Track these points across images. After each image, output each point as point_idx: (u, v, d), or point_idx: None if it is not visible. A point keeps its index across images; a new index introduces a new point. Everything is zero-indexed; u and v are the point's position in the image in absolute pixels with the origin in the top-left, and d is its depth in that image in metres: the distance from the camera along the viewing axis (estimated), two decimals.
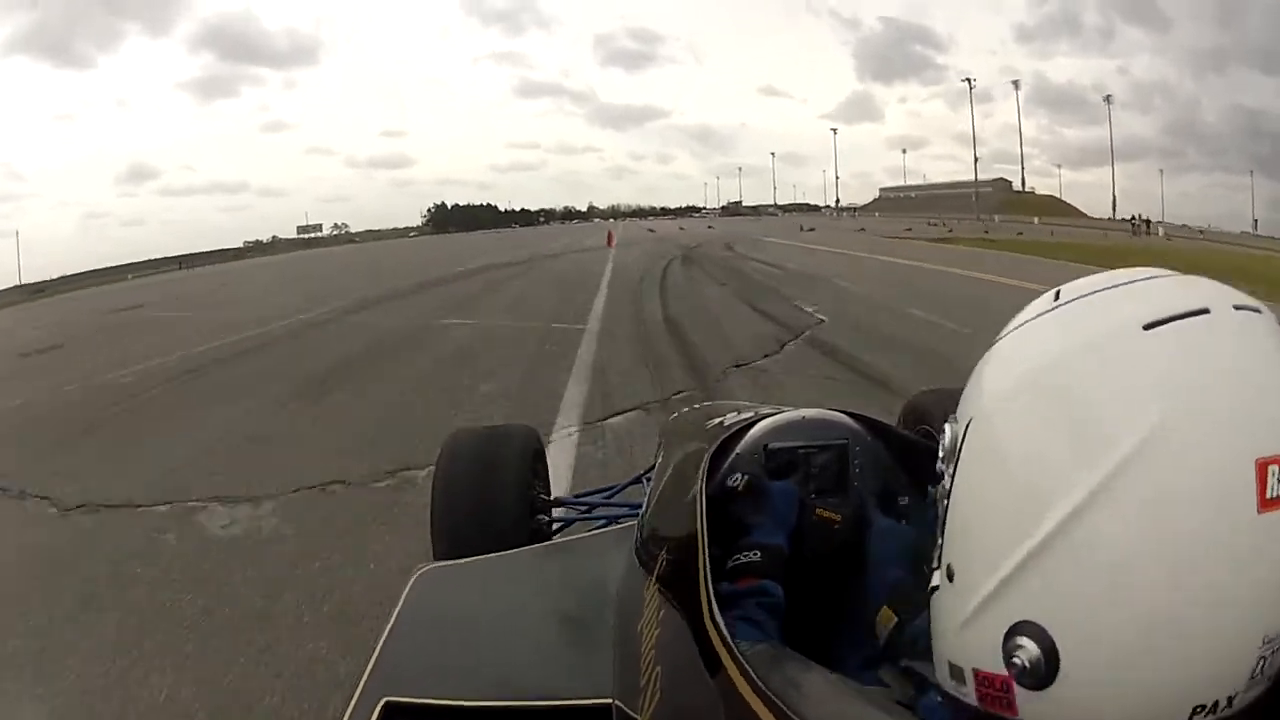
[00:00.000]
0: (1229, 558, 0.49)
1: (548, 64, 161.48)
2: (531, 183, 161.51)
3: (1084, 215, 68.00)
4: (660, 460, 1.41)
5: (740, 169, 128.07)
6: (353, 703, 0.85)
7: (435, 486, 1.83)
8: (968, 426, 0.60)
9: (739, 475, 0.97)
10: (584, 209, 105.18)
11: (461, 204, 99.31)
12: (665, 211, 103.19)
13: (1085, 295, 0.58)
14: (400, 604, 1.07)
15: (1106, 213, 67.38)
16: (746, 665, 0.61)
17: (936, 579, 0.62)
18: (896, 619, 0.75)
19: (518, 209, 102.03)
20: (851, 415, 1.12)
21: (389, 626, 1.02)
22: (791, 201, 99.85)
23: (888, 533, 0.93)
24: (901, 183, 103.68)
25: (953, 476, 0.61)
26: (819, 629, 0.84)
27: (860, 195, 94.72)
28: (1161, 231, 39.68)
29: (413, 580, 1.15)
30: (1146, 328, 0.52)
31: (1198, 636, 0.49)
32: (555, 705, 0.83)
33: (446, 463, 1.86)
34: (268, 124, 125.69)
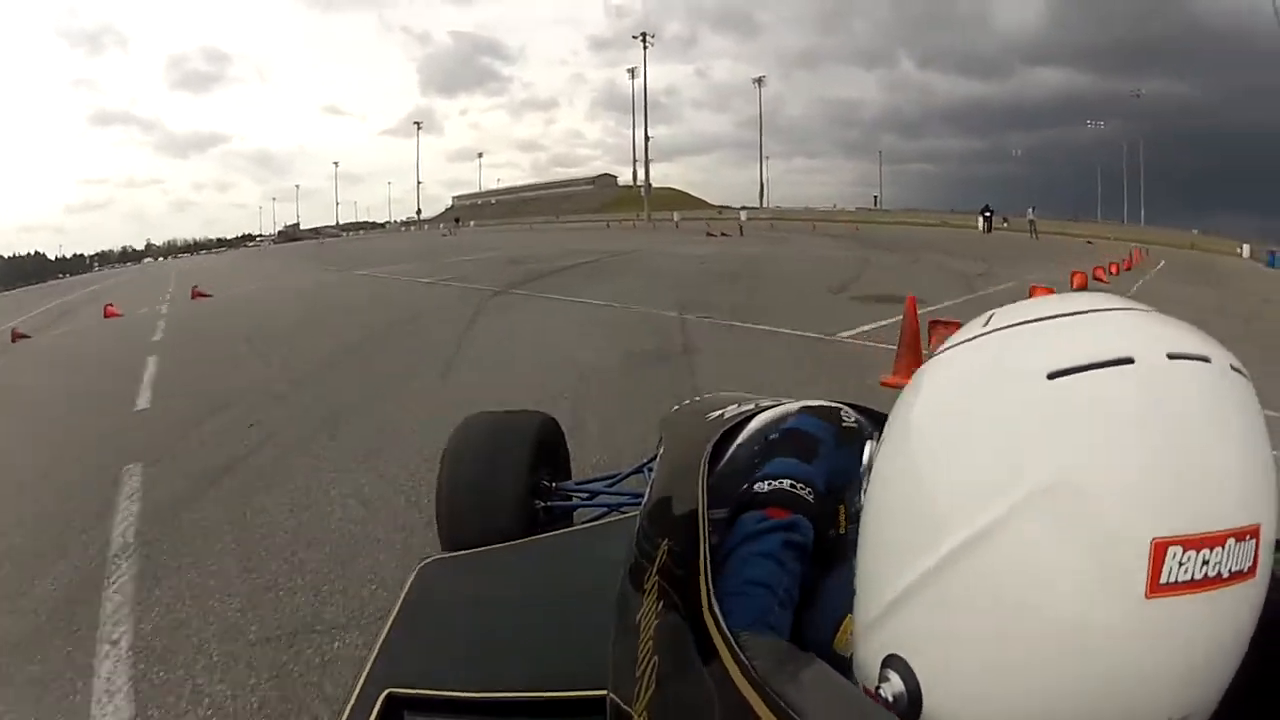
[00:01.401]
0: (1107, 639, 0.44)
1: (120, 89, 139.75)
2: (104, 221, 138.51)
3: (710, 205, 63.87)
4: (661, 452, 1.33)
5: (298, 188, 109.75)
6: (355, 694, 0.84)
7: (443, 468, 1.84)
8: (879, 445, 0.57)
9: (855, 416, 0.95)
10: (142, 247, 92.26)
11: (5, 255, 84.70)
12: (222, 243, 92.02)
13: (1013, 325, 0.52)
14: (403, 596, 1.07)
15: (723, 201, 64.26)
16: (743, 657, 0.58)
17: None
18: None
19: (70, 255, 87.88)
20: (854, 407, 1.03)
21: (391, 618, 1.01)
22: (353, 220, 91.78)
23: None
24: (474, 190, 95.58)
25: (864, 494, 0.59)
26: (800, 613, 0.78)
27: (425, 207, 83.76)
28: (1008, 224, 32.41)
29: (416, 572, 1.14)
30: (1051, 376, 0.46)
31: (1072, 712, 0.45)
32: (555, 696, 0.82)
33: (456, 445, 1.88)
34: None
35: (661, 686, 0.68)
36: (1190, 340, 0.48)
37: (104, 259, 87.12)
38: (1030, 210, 30.73)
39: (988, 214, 32.36)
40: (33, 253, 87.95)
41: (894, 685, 0.51)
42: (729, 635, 0.61)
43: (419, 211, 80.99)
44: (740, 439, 1.00)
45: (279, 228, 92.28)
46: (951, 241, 22.48)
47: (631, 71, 64.54)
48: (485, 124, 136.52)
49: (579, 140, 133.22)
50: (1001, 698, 0.46)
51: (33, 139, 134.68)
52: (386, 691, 0.81)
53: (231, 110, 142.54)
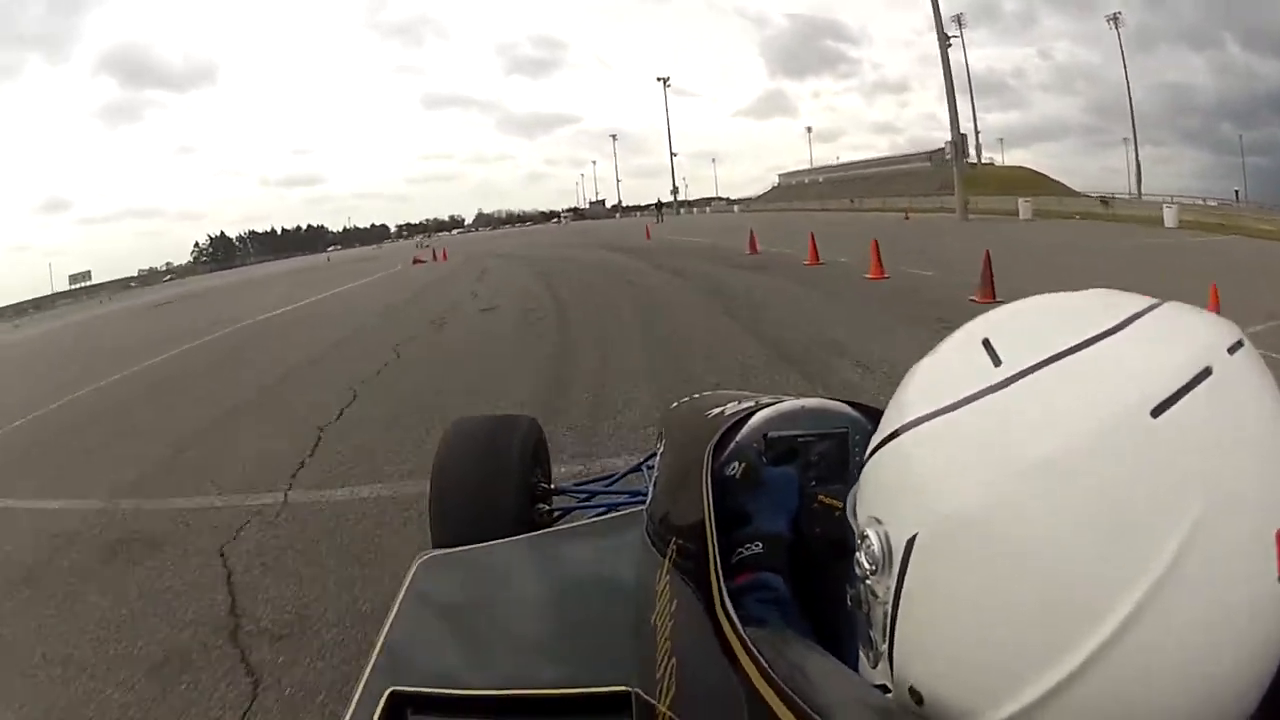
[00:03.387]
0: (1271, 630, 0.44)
1: (452, 75, 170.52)
2: (448, 192, 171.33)
3: (1068, 191, 54.96)
4: (663, 450, 1.33)
5: (616, 168, 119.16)
6: (358, 693, 0.82)
7: (435, 474, 1.84)
8: (915, 537, 0.49)
9: (736, 463, 0.96)
10: (458, 218, 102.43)
11: (258, 230, 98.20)
12: (550, 215, 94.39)
13: (1048, 362, 0.46)
14: (402, 592, 1.05)
15: (1086, 185, 54.70)
16: (759, 655, 0.59)
17: (878, 676, 0.54)
18: None
19: (346, 228, 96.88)
20: (851, 404, 1.06)
21: (392, 615, 1.00)
22: (708, 196, 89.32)
23: None
24: (806, 167, 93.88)
25: (896, 591, 0.50)
26: (824, 616, 0.76)
27: (753, 187, 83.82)
28: None
29: (414, 568, 1.12)
30: (1155, 413, 0.43)
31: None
32: (564, 693, 0.81)
33: (446, 450, 1.88)
34: (178, 147, 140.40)
35: (683, 686, 0.69)
36: (1218, 326, 0.46)
37: (418, 230, 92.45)
38: None
39: None
40: (304, 227, 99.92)
41: None
42: (743, 634, 0.62)
43: (674, 191, 73.55)
44: (739, 436, 1.01)
45: (582, 204, 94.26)
46: None
47: (949, 38, 56.74)
48: (839, 106, 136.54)
49: (934, 123, 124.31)
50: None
51: (365, 121, 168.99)
52: (390, 690, 0.80)
53: (576, 92, 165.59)
